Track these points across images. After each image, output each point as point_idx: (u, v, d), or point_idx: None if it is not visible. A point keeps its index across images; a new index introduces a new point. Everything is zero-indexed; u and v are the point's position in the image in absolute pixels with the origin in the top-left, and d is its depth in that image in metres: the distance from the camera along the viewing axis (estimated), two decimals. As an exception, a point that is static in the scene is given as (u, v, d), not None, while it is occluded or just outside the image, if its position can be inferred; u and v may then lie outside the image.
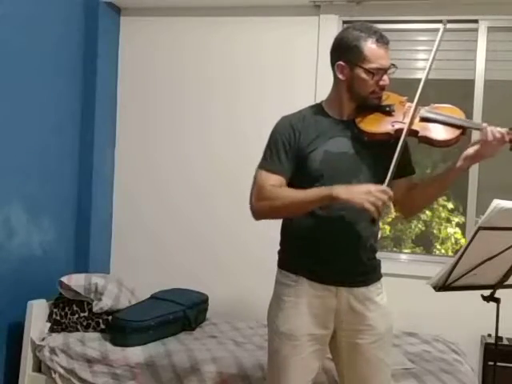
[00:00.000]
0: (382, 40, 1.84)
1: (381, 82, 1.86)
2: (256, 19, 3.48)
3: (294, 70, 3.42)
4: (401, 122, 1.87)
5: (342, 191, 1.70)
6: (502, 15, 3.21)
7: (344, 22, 3.39)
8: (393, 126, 1.87)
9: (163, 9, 3.60)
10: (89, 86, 3.48)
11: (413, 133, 1.86)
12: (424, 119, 1.88)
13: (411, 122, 1.84)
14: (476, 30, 3.24)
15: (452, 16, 3.24)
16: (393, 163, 1.78)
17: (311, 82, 3.35)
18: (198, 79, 3.58)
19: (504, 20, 3.23)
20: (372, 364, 1.92)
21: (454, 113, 1.90)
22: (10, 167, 2.93)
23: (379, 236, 2.03)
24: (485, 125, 1.82)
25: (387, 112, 1.90)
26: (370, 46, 1.82)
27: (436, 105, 1.94)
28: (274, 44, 3.46)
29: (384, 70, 1.85)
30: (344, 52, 1.86)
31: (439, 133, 1.86)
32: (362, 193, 1.68)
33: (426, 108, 1.91)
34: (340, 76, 1.88)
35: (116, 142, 3.71)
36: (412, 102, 1.89)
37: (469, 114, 3.22)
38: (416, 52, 3.39)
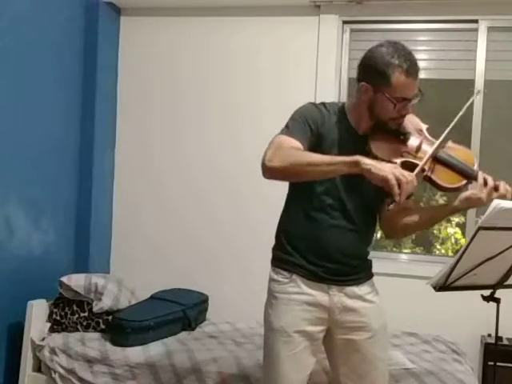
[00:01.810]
0: (413, 70, 1.78)
1: (402, 111, 1.83)
2: (256, 19, 3.48)
3: (294, 70, 3.42)
4: (410, 154, 1.83)
5: (367, 160, 1.66)
6: (502, 15, 3.21)
7: (344, 22, 3.40)
8: (402, 156, 1.82)
9: (163, 9, 3.60)
10: (89, 85, 3.48)
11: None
12: (436, 159, 1.84)
13: (424, 163, 1.79)
14: (476, 29, 3.24)
15: (452, 16, 3.25)
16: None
17: (311, 82, 3.35)
18: (197, 79, 3.57)
19: (504, 20, 3.23)
20: (367, 360, 1.94)
21: (468, 159, 1.86)
22: (10, 167, 2.93)
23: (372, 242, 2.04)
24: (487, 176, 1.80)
25: (401, 140, 1.86)
26: (398, 76, 1.76)
27: (452, 144, 1.90)
28: (274, 44, 3.45)
29: (408, 100, 1.81)
30: (371, 74, 1.81)
31: (445, 178, 1.82)
32: (388, 166, 1.65)
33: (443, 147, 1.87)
34: (363, 96, 1.85)
35: (116, 143, 3.71)
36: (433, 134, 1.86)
37: (469, 114, 3.22)
38: (416, 52, 3.36)
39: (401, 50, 1.81)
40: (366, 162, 1.65)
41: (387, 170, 1.63)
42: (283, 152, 1.75)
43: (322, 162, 1.71)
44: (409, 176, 1.64)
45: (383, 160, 1.80)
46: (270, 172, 1.76)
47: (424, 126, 1.92)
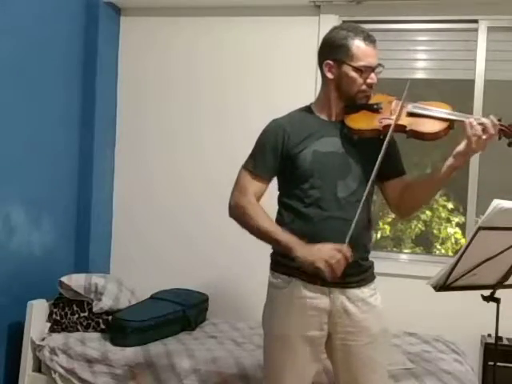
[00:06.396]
0: (369, 39, 1.87)
1: (368, 80, 1.88)
2: (256, 19, 3.47)
3: (294, 71, 3.42)
4: (388, 118, 1.88)
5: (303, 252, 1.76)
6: (501, 15, 3.20)
7: (344, 22, 3.40)
8: (381, 122, 1.88)
9: (163, 9, 3.60)
10: (89, 85, 3.47)
11: (400, 128, 1.86)
12: (411, 114, 1.89)
13: (398, 116, 1.86)
14: (476, 30, 3.24)
15: (452, 16, 3.25)
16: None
17: (311, 82, 3.34)
18: (197, 79, 3.57)
19: (504, 20, 3.22)
20: (366, 365, 1.91)
21: (441, 107, 1.91)
22: (10, 167, 2.93)
23: (372, 239, 2.03)
24: (469, 117, 1.80)
25: (375, 110, 1.92)
26: (357, 45, 1.85)
27: (424, 102, 1.95)
28: (274, 44, 3.45)
29: (372, 68, 1.87)
30: (332, 51, 1.89)
31: (426, 126, 1.86)
32: (321, 258, 1.73)
33: (413, 104, 1.92)
34: (328, 75, 1.91)
35: (116, 143, 3.71)
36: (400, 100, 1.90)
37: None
38: (415, 52, 3.39)
39: (353, 26, 1.91)
40: (298, 253, 1.77)
41: (315, 258, 1.74)
42: (244, 204, 1.94)
43: (266, 234, 1.87)
44: (338, 255, 1.73)
45: (365, 131, 1.88)
46: (230, 215, 2.04)
47: (393, 97, 1.96)
